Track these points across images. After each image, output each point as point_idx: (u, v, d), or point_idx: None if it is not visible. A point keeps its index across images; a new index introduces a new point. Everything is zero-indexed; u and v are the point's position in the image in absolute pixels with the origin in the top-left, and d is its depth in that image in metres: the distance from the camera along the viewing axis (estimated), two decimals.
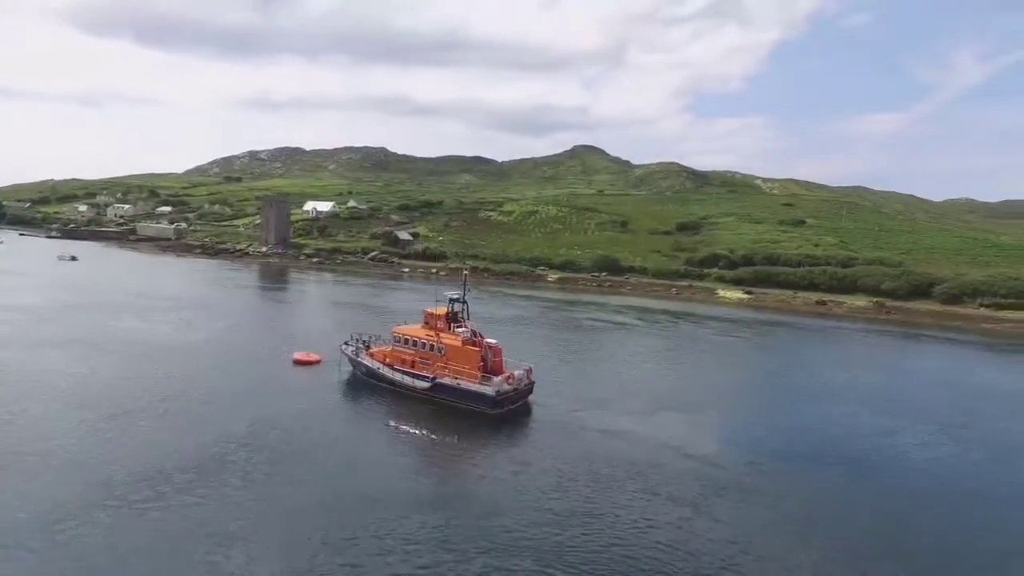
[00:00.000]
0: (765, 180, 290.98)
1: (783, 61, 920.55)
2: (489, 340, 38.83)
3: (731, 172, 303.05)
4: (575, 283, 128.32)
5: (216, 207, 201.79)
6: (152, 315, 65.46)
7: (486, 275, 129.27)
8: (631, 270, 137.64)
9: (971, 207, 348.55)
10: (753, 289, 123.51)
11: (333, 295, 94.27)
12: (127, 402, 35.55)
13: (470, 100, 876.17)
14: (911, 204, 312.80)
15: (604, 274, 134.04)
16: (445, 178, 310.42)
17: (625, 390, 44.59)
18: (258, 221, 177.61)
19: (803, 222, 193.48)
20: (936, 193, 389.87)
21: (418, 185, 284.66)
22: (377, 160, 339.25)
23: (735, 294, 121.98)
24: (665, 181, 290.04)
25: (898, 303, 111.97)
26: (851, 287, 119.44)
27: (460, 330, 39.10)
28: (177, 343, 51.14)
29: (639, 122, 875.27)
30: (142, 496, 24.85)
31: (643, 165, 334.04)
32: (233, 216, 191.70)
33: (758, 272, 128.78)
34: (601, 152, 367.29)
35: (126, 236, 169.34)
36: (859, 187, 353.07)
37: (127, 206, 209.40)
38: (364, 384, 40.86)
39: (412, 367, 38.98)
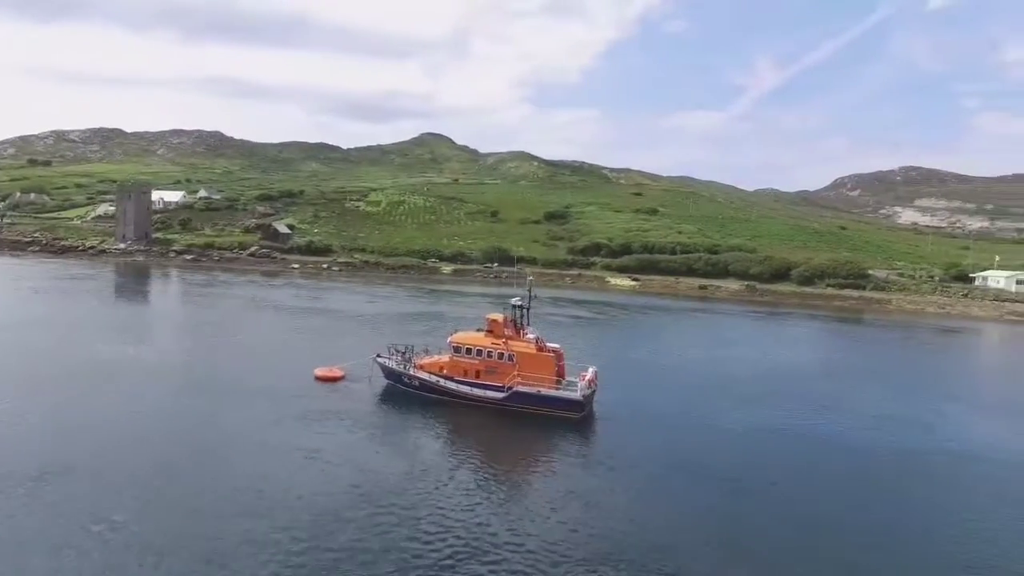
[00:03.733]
0: (611, 170, 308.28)
1: (617, 58, 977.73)
2: (552, 344, 38.49)
3: (579, 162, 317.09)
4: (471, 275, 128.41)
5: (33, 196, 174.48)
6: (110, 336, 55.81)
7: (381, 269, 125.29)
8: (521, 260, 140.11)
9: (776, 196, 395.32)
10: (639, 276, 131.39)
11: (254, 300, 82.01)
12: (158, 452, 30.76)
13: (311, 85, 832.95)
14: (730, 194, 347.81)
15: (496, 265, 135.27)
16: (290, 165, 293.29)
17: (667, 379, 46.80)
18: (97, 212, 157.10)
19: (656, 211, 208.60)
20: (748, 184, 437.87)
21: (262, 173, 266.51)
22: (212, 144, 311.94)
23: (625, 281, 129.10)
24: (518, 170, 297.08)
25: (765, 286, 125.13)
26: (724, 272, 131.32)
27: (530, 336, 38.37)
28: (157, 364, 44.14)
29: (483, 111, 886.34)
30: None
31: (493, 154, 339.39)
32: (58, 207, 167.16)
33: (641, 260, 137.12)
34: (448, 140, 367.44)
35: None
36: (686, 177, 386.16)
37: None
38: (410, 398, 38.21)
39: (477, 377, 37.60)
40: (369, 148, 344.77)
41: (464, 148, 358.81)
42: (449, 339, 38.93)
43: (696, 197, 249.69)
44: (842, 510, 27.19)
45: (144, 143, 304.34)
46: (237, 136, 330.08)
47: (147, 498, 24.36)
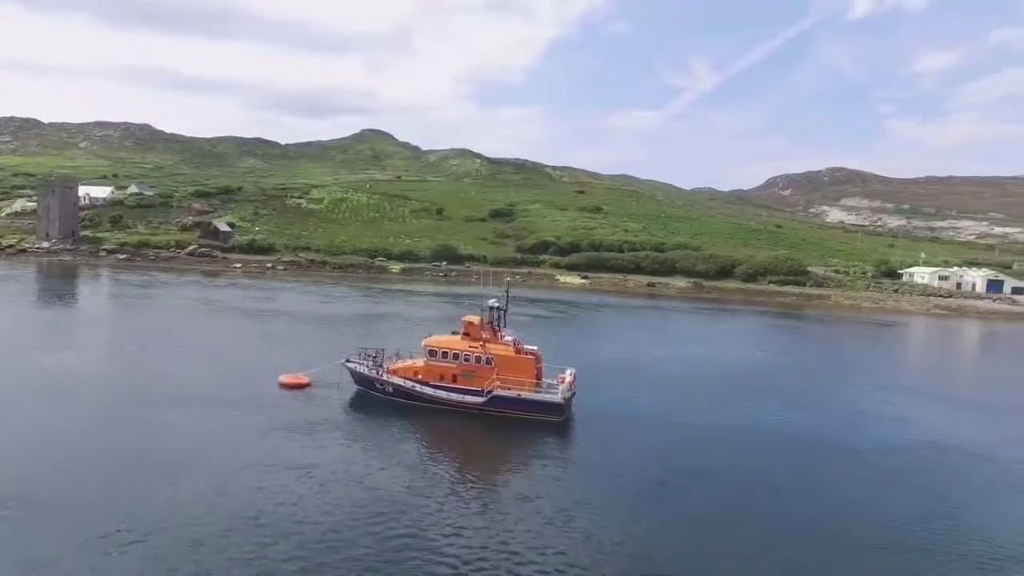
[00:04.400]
0: (554, 168, 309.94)
1: (559, 57, 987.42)
2: (530, 347, 37.83)
3: (521, 159, 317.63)
4: (420, 273, 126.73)
5: None
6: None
7: (328, 268, 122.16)
8: (470, 258, 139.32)
9: (712, 195, 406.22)
10: (589, 274, 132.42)
11: (200, 301, 78.35)
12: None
13: (248, 78, 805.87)
14: (669, 192, 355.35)
15: (445, 264, 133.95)
16: (226, 161, 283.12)
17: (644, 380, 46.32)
18: (14, 209, 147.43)
19: (600, 209, 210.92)
20: (685, 183, 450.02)
21: (197, 168, 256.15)
22: (141, 138, 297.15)
23: (575, 279, 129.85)
24: (461, 167, 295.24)
25: (711, 283, 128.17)
26: (671, 270, 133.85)
27: (508, 338, 37.61)
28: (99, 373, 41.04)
29: (426, 108, 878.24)
30: None
31: (435, 151, 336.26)
32: None
33: (590, 258, 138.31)
34: (390, 137, 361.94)
35: None
36: (625, 175, 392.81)
37: None
38: (383, 405, 36.78)
39: (454, 381, 36.56)
40: (309, 144, 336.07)
41: (406, 145, 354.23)
42: (423, 342, 37.62)
43: (638, 196, 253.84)
44: (841, 514, 27.61)
45: (64, 135, 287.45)
46: (168, 129, 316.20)
47: (105, 521, 22.52)
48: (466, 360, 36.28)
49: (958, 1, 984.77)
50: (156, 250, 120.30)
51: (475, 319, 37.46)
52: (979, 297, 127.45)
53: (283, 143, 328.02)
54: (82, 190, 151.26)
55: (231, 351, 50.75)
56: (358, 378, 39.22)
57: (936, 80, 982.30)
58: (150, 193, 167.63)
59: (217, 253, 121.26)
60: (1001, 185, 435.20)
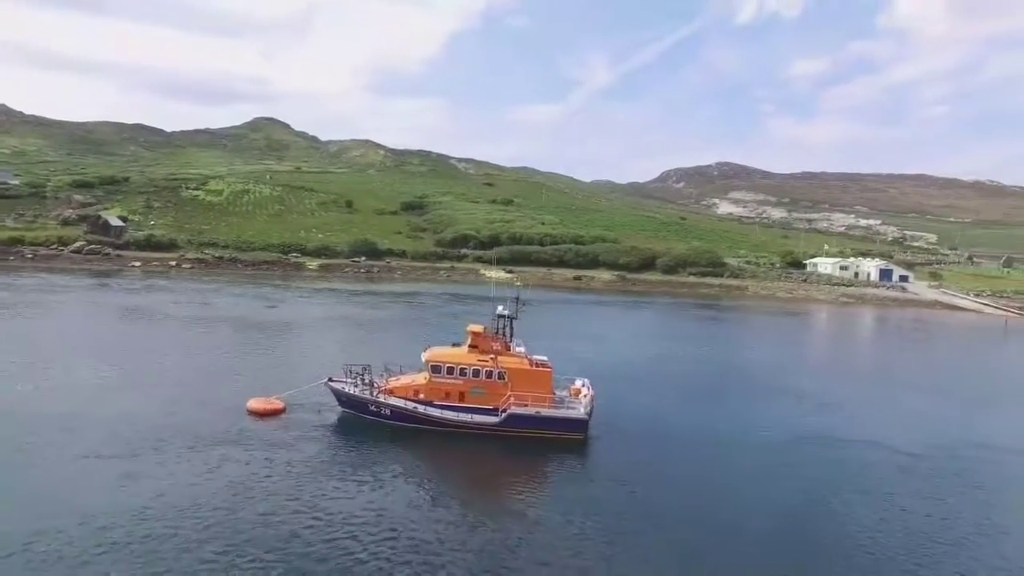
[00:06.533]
0: (459, 160, 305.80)
1: (460, 49, 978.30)
2: (539, 357, 34.75)
3: (426, 151, 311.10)
4: (339, 270, 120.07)
5: None
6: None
7: (239, 265, 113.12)
8: (390, 253, 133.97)
9: (611, 188, 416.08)
10: (514, 268, 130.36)
11: (116, 307, 68.16)
12: None
13: (127, 60, 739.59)
14: (571, 184, 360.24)
15: (363, 259, 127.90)
16: (104, 148, 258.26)
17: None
18: None
19: (511, 201, 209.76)
20: (584, 175, 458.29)
21: (69, 155, 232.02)
22: None
23: (500, 274, 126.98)
24: (364, 158, 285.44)
25: (635, 275, 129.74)
26: (594, 263, 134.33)
27: (519, 350, 34.29)
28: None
29: (323, 97, 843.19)
30: None
31: (334, 141, 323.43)
32: None
33: (513, 252, 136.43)
34: (286, 126, 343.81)
35: None
36: (527, 168, 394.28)
37: None
38: (378, 429, 31.90)
39: (461, 400, 32.61)
40: (198, 132, 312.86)
41: (303, 135, 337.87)
42: (424, 356, 33.32)
43: (547, 188, 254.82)
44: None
45: None
46: (28, 111, 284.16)
47: None
48: (475, 375, 32.51)
49: (824, 13, 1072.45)
50: (33, 247, 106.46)
51: (480, 328, 33.94)
52: (875, 285, 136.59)
53: (168, 130, 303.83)
54: None
55: (177, 370, 42.47)
56: (346, 400, 34.13)
57: (808, 84, 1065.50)
58: (15, 182, 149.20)
59: (109, 250, 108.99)
60: (863, 181, 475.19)
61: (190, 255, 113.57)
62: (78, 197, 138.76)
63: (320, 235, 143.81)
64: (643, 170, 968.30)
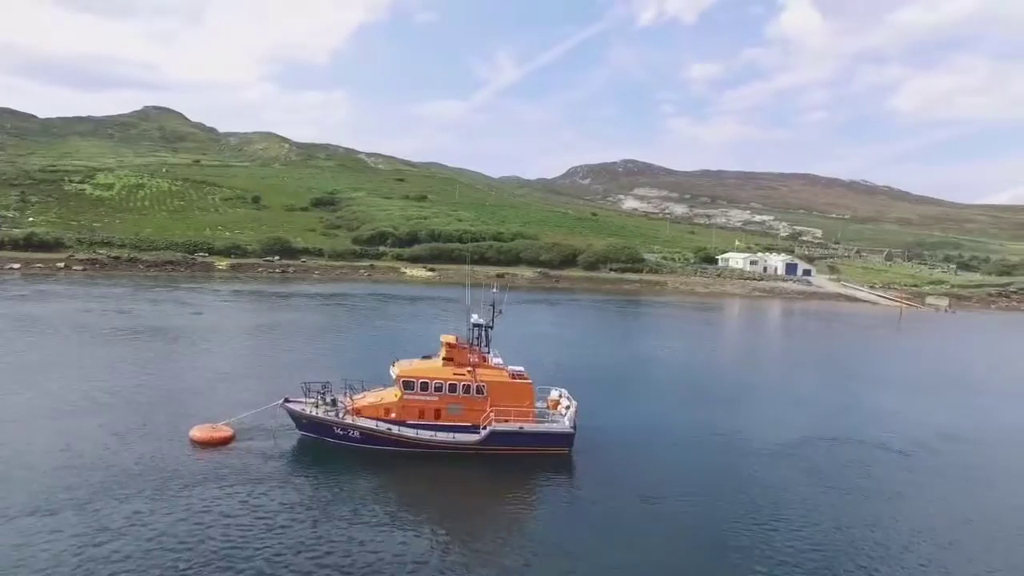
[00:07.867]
0: (367, 154, 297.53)
1: (366, 42, 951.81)
2: (515, 367, 32.67)
3: (333, 145, 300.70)
4: (252, 270, 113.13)
5: None
6: None
7: (139, 266, 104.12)
8: (305, 252, 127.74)
9: (520, 183, 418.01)
10: (435, 266, 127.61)
11: (8, 316, 62.28)
12: None
13: None
14: (480, 180, 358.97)
15: (277, 258, 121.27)
16: None
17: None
18: None
19: (425, 197, 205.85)
20: (492, 171, 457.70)
21: None
22: None
23: (421, 272, 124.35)
24: (268, 152, 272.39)
25: (557, 272, 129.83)
26: (515, 260, 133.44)
27: (497, 361, 32.01)
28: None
29: (221, 87, 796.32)
30: None
31: (234, 133, 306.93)
32: None
33: (432, 249, 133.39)
34: (180, 116, 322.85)
35: None
36: (435, 163, 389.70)
37: None
38: (343, 454, 28.98)
39: (437, 418, 29.90)
40: (79, 120, 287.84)
41: (200, 126, 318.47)
42: (394, 371, 30.49)
43: (459, 184, 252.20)
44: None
45: None
46: None
47: None
48: (452, 391, 30.02)
49: (719, 20, 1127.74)
50: None
51: (453, 339, 31.53)
52: (783, 279, 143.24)
53: (41, 116, 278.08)
54: None
55: (99, 395, 36.52)
56: (307, 423, 30.64)
57: (704, 87, 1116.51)
58: None
59: None
60: (757, 179, 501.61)
61: (81, 255, 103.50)
62: None
63: (227, 233, 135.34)
64: (550, 167, 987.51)
